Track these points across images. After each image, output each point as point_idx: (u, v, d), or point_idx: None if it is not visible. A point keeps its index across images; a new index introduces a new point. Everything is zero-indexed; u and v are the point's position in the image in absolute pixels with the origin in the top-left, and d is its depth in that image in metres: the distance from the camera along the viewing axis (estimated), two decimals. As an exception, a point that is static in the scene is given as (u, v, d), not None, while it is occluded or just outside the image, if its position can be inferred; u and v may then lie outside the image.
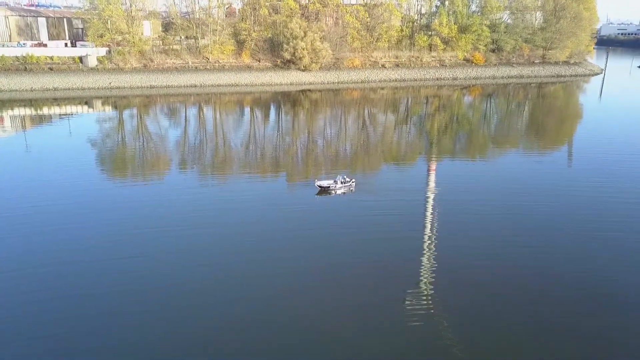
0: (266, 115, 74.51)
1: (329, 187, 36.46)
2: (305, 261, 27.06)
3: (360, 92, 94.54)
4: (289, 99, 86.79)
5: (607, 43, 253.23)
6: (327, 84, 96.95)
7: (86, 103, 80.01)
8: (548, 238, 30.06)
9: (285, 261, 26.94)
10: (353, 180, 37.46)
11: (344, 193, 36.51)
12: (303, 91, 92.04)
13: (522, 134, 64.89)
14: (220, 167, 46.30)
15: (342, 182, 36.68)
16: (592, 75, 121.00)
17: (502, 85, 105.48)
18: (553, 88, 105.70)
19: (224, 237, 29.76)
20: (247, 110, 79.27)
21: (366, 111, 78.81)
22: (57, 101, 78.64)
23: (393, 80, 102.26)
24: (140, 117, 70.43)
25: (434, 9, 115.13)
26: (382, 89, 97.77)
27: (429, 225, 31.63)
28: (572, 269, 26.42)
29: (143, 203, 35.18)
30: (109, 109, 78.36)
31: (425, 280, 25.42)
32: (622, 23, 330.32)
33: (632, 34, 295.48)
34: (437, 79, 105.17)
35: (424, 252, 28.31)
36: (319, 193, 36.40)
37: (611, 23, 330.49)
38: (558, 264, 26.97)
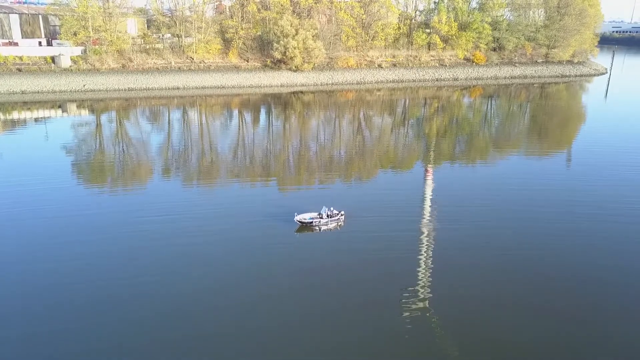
0: (255, 120, 68.51)
1: (312, 222, 30.02)
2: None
3: (355, 93, 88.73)
4: (280, 102, 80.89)
5: (602, 41, 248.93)
6: (320, 85, 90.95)
7: (60, 107, 73.54)
8: (557, 248, 28.54)
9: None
10: (342, 212, 31.03)
11: (331, 229, 30.30)
12: (295, 93, 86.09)
13: (532, 140, 59.68)
14: (201, 181, 41.26)
15: (328, 216, 30.33)
16: (597, 75, 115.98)
17: (504, 86, 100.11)
18: (556, 88, 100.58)
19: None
20: (234, 114, 73.20)
21: (361, 114, 73.03)
22: (27, 105, 72.05)
23: (390, 81, 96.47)
24: (120, 122, 64.28)
25: (432, 5, 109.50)
26: (379, 90, 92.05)
27: (424, 271, 26.16)
28: (575, 279, 25.52)
29: (104, 220, 31.49)
30: (85, 113, 71.73)
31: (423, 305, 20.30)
32: (614, 21, 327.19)
33: (627, 31, 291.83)
34: (437, 80, 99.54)
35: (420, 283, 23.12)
36: (300, 230, 30.09)
37: (604, 21, 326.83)
38: (563, 276, 25.74)
